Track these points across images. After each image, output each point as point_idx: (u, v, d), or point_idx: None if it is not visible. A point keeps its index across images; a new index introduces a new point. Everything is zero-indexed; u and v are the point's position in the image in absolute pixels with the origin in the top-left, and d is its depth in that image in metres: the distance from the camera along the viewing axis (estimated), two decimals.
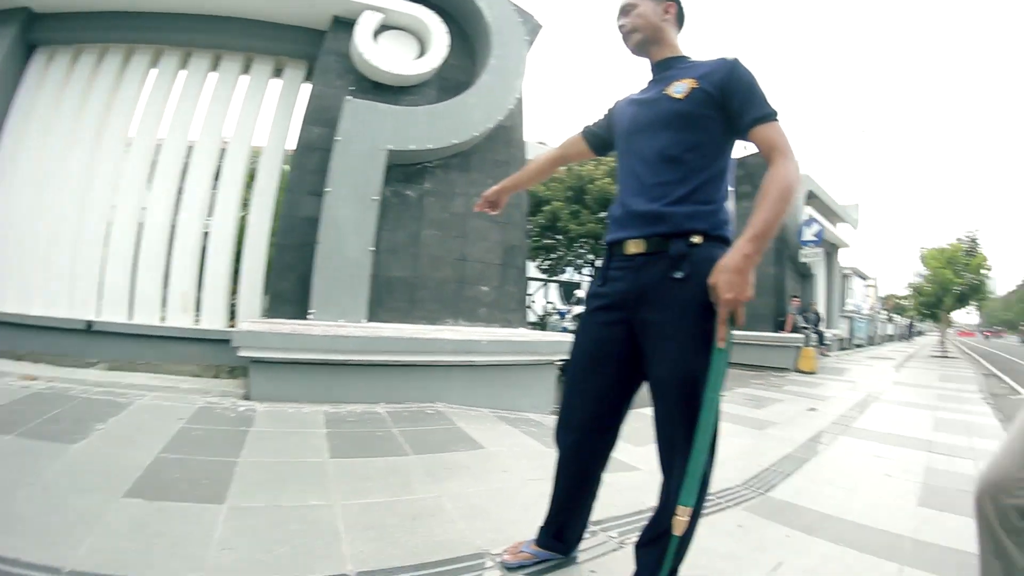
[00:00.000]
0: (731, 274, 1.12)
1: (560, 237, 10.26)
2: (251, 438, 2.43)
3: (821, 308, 12.76)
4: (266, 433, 2.55)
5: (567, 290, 9.41)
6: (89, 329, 4.17)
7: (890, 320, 30.20)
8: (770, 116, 1.24)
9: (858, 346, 17.91)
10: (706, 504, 1.26)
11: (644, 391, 1.36)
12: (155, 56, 4.83)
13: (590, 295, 1.45)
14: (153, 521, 1.52)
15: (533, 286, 9.23)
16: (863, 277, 29.42)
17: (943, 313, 17.50)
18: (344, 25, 4.56)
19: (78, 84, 4.68)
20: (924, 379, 8.65)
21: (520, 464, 2.50)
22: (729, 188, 1.35)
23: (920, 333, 44.02)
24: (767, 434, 3.69)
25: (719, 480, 2.45)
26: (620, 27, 1.43)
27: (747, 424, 3.96)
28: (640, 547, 1.32)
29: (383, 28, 4.67)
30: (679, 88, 1.28)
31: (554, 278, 10.92)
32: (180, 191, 4.65)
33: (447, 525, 1.71)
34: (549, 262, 11.12)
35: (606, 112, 1.59)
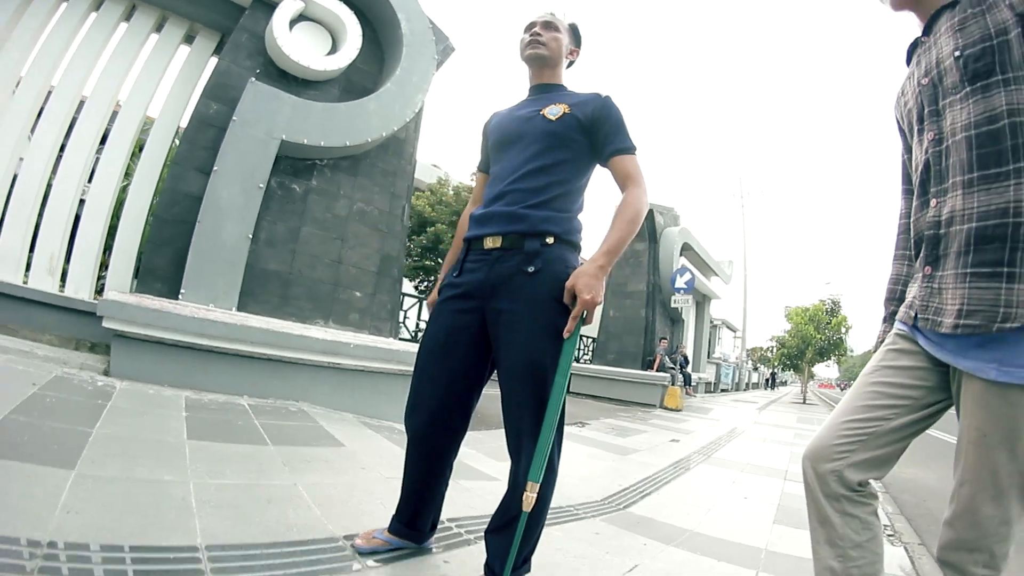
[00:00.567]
0: (589, 278, 1.26)
1: (440, 260, 10.39)
2: (108, 412, 2.32)
3: (690, 352, 13.32)
4: (124, 409, 2.44)
5: None
6: None
7: (755, 369, 32.03)
8: (630, 149, 1.42)
9: (724, 390, 19.34)
10: (553, 489, 1.32)
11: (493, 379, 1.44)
12: None
13: (445, 285, 1.50)
14: None
15: (408, 302, 9.43)
16: (732, 329, 32.16)
17: (804, 364, 19.00)
18: (265, 7, 4.54)
19: None
20: (784, 420, 9.28)
21: (380, 463, 2.51)
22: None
23: (783, 383, 45.87)
24: (630, 459, 3.77)
25: (579, 495, 2.52)
26: (533, 35, 1.54)
27: (611, 450, 4.06)
28: (490, 533, 1.36)
29: (301, 18, 4.68)
30: (553, 111, 1.44)
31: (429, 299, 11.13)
32: (63, 147, 4.34)
33: (302, 511, 1.71)
34: (427, 284, 11.22)
35: (482, 135, 1.68)
